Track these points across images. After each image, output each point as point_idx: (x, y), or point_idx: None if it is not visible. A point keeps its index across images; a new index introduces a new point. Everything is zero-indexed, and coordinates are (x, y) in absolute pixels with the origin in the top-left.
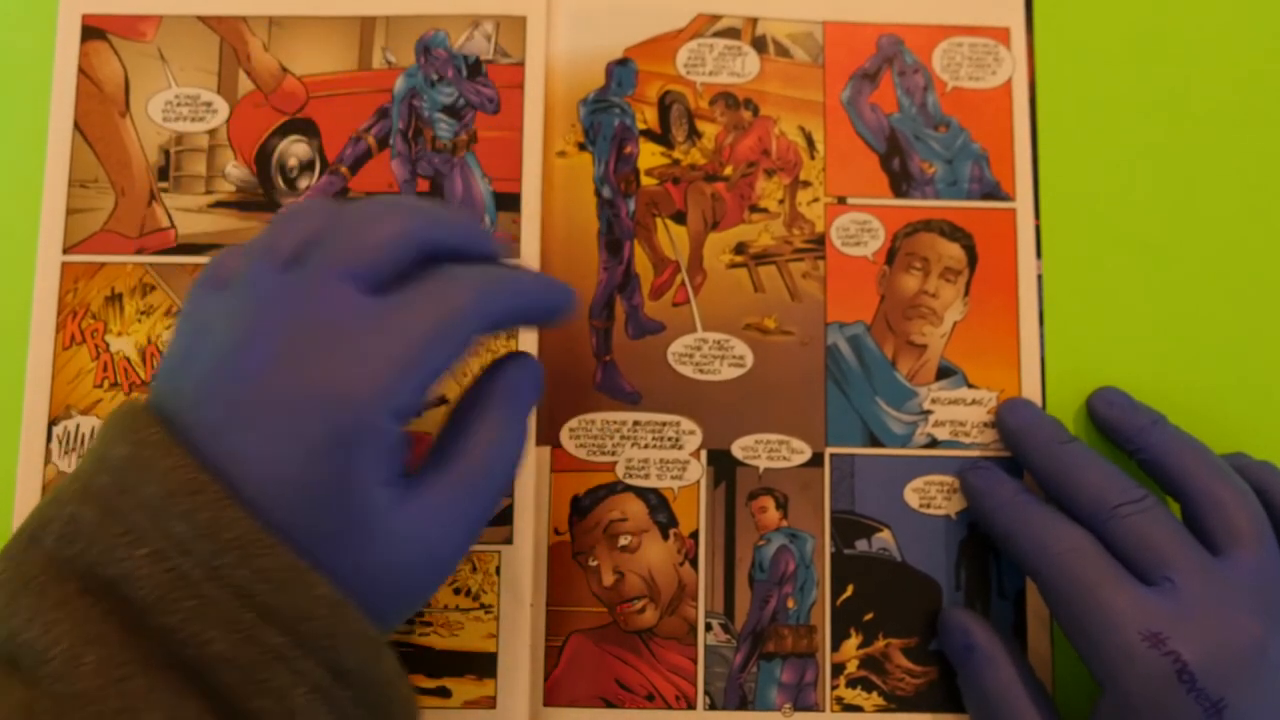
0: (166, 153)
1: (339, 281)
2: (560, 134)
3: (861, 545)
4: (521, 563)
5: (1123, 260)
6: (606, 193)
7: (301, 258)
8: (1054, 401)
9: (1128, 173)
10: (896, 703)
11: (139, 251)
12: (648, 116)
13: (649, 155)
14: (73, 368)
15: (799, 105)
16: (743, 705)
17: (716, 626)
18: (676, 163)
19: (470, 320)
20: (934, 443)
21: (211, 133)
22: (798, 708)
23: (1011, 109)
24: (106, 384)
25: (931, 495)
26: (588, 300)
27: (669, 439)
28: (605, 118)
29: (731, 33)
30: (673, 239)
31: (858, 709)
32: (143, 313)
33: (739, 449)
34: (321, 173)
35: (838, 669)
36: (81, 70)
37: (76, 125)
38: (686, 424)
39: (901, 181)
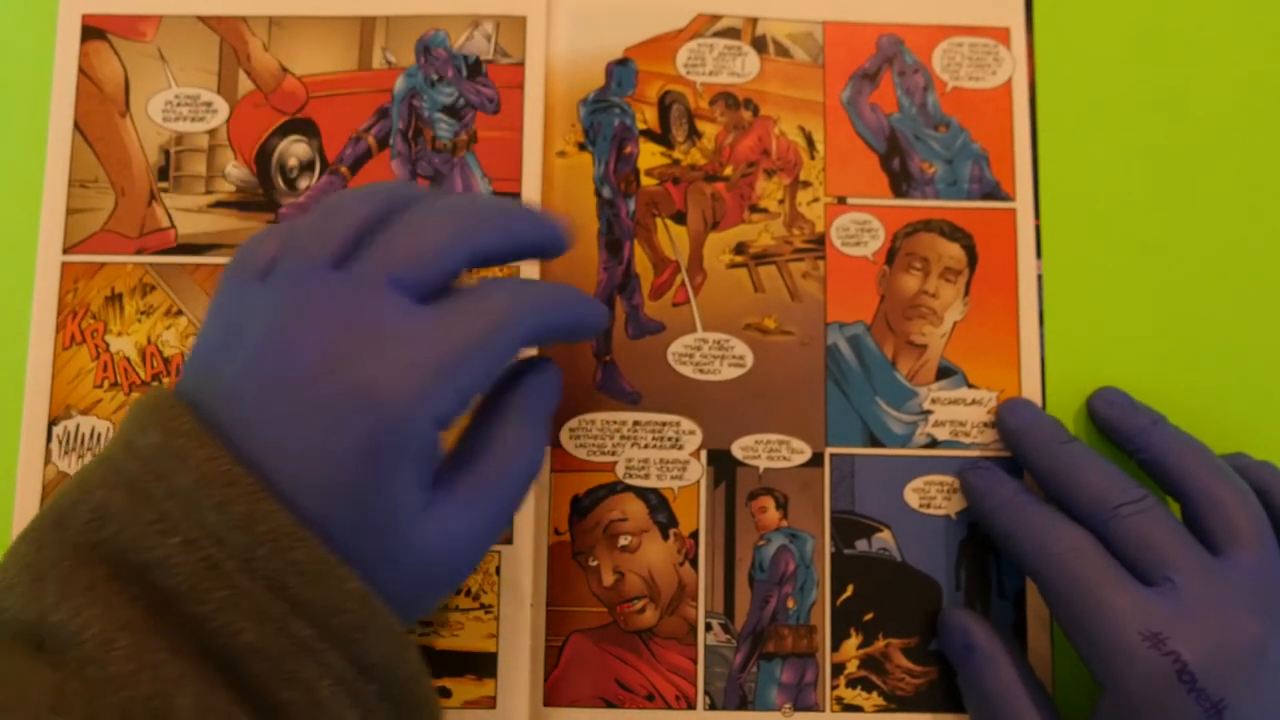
0: (166, 153)
1: (389, 287)
2: (560, 134)
3: (861, 545)
4: (522, 563)
5: (1123, 260)
6: (606, 193)
7: (351, 257)
8: (1054, 402)
9: (1128, 173)
10: (896, 703)
11: (139, 251)
12: (648, 116)
13: (649, 155)
14: (73, 368)
15: (799, 105)
16: (743, 705)
17: (716, 626)
18: (676, 163)
19: (513, 333)
20: (934, 443)
21: (211, 133)
22: (798, 708)
23: (1011, 109)
24: (107, 384)
25: (931, 495)
26: None
27: (669, 439)
28: (605, 118)
29: (731, 33)
30: (673, 239)
31: (858, 709)
32: (143, 313)
33: (739, 449)
34: (321, 173)
35: (838, 669)
36: (81, 70)
37: (76, 125)
38: (686, 424)
39: (901, 181)
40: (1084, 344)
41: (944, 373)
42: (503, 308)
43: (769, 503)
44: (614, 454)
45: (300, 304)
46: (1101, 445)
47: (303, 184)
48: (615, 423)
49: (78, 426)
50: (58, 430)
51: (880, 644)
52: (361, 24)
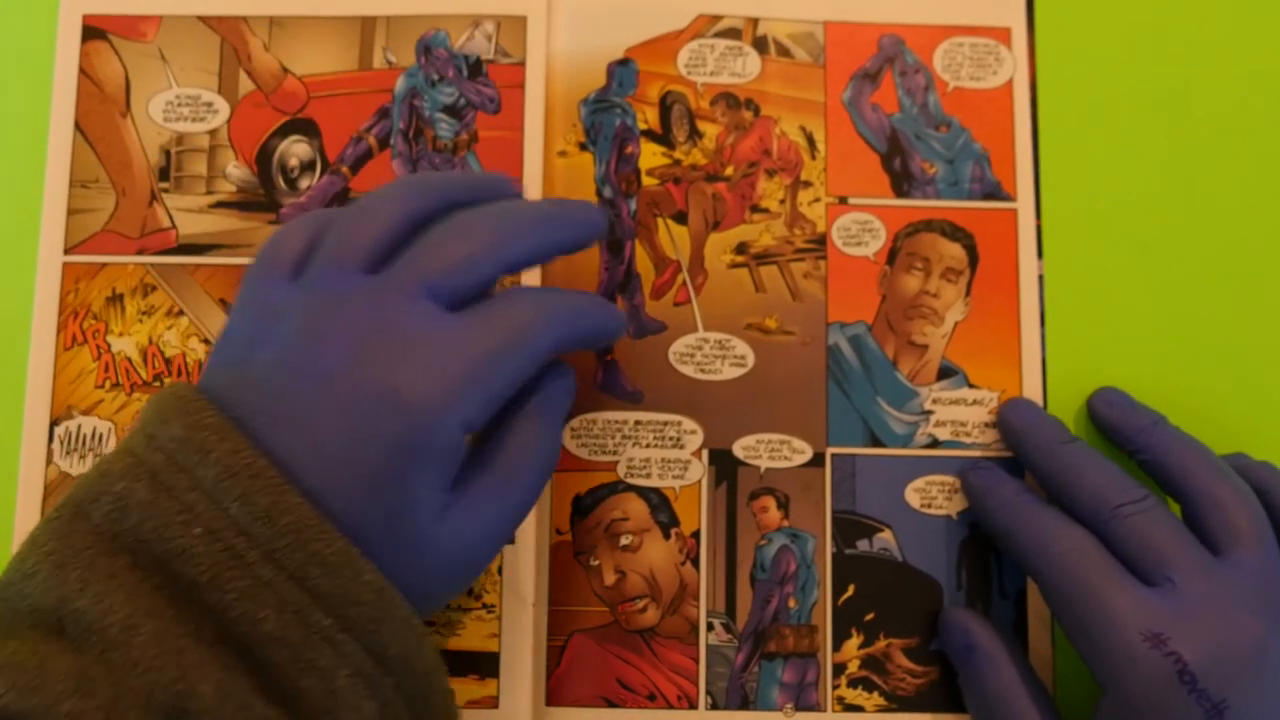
0: (167, 153)
1: (422, 295)
2: (561, 134)
3: (863, 545)
4: (523, 562)
5: (1124, 261)
6: (608, 193)
7: (385, 261)
8: (1055, 402)
9: (1129, 173)
10: (898, 703)
11: (140, 252)
12: (649, 117)
13: (650, 155)
14: (74, 368)
15: (800, 105)
16: (744, 705)
17: (718, 626)
18: (678, 163)
19: (540, 342)
20: (935, 443)
21: (212, 133)
22: (799, 707)
23: (1013, 109)
24: (108, 384)
25: (933, 495)
26: None
27: (670, 438)
28: (606, 118)
29: (732, 33)
30: (674, 239)
31: (859, 709)
32: (144, 313)
33: (740, 449)
34: (322, 173)
35: (839, 669)
36: (82, 70)
37: (77, 125)
38: (688, 424)
39: (903, 181)
40: (1085, 344)
41: (945, 373)
42: (530, 317)
43: (770, 502)
44: (615, 453)
45: (332, 307)
46: (1102, 445)
47: (304, 184)
48: (617, 422)
49: (79, 427)
50: (59, 430)
51: (881, 644)
52: (362, 24)
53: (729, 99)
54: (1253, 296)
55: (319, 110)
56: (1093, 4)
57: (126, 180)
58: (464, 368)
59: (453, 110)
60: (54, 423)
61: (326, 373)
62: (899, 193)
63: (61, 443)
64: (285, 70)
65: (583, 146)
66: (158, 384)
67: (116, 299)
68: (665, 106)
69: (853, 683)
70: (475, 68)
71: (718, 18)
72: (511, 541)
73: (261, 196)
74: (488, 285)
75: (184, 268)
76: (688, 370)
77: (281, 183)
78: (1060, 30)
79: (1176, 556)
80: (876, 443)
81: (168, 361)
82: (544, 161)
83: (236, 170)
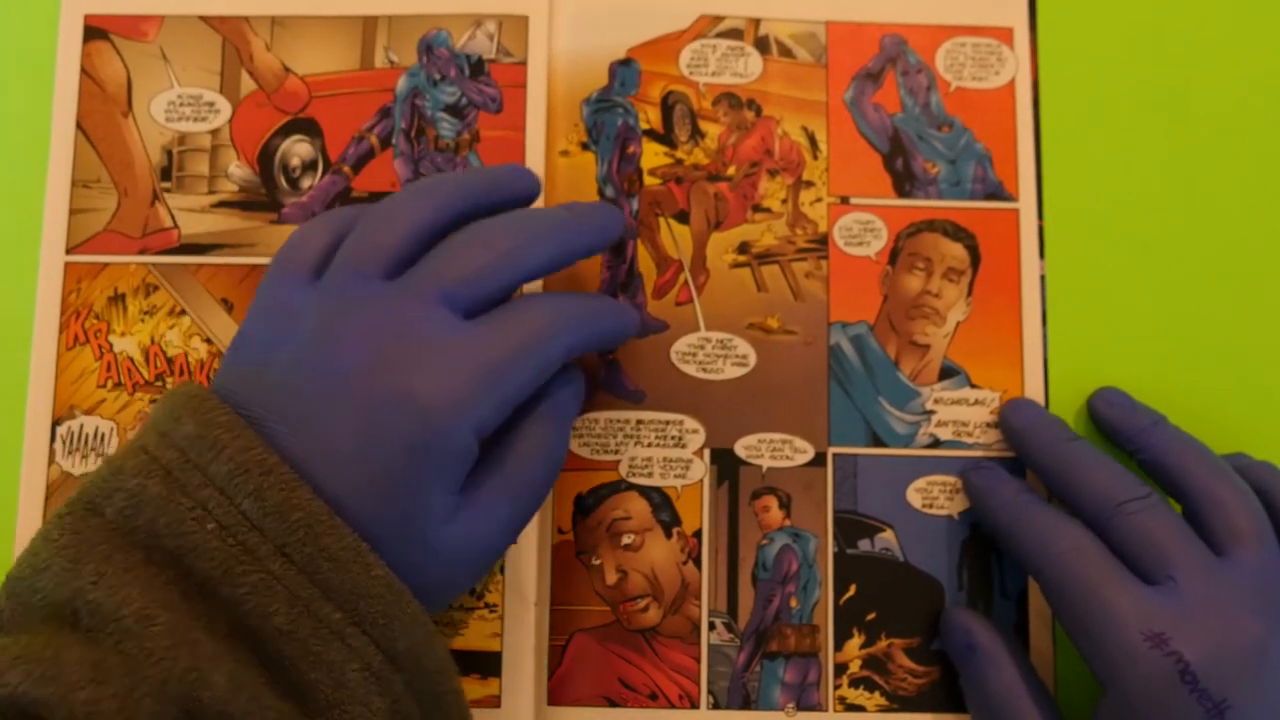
0: (169, 153)
1: (439, 303)
2: (563, 133)
3: (864, 545)
4: (525, 562)
5: (1125, 261)
6: (610, 192)
7: (405, 266)
8: (1056, 402)
9: (1131, 173)
10: (899, 703)
11: (142, 251)
12: (651, 116)
13: (652, 155)
14: (76, 368)
15: (802, 105)
16: (746, 705)
17: (720, 626)
18: (680, 162)
19: (554, 348)
20: (937, 443)
21: (214, 133)
22: (801, 707)
23: (1015, 109)
24: (110, 384)
25: (934, 495)
26: None
27: (672, 438)
28: (608, 117)
29: (734, 33)
30: (676, 238)
31: (860, 709)
32: (146, 313)
33: (742, 448)
34: (324, 172)
35: (840, 669)
36: (84, 70)
37: (79, 125)
38: (690, 423)
39: (904, 181)
40: (1086, 344)
41: (947, 373)
42: (544, 324)
43: (772, 502)
44: (617, 453)
45: (350, 311)
46: (1102, 445)
47: (305, 184)
48: (619, 421)
49: (81, 427)
50: (61, 430)
51: (883, 644)
52: (364, 23)
53: (731, 99)
54: (1253, 297)
55: (321, 110)
56: (1095, 4)
57: (128, 180)
58: (478, 373)
59: (454, 110)
60: (56, 422)
61: (342, 374)
62: (901, 193)
63: (63, 442)
64: (287, 70)
65: (585, 146)
66: (160, 384)
67: (118, 299)
68: (667, 106)
69: (854, 683)
70: (477, 67)
71: (719, 18)
72: (514, 541)
73: (263, 196)
74: (507, 293)
75: (186, 267)
76: (690, 370)
77: (283, 182)
78: (1062, 31)
79: (1178, 555)
80: (878, 442)
81: (170, 361)
82: (546, 161)
83: (238, 170)
